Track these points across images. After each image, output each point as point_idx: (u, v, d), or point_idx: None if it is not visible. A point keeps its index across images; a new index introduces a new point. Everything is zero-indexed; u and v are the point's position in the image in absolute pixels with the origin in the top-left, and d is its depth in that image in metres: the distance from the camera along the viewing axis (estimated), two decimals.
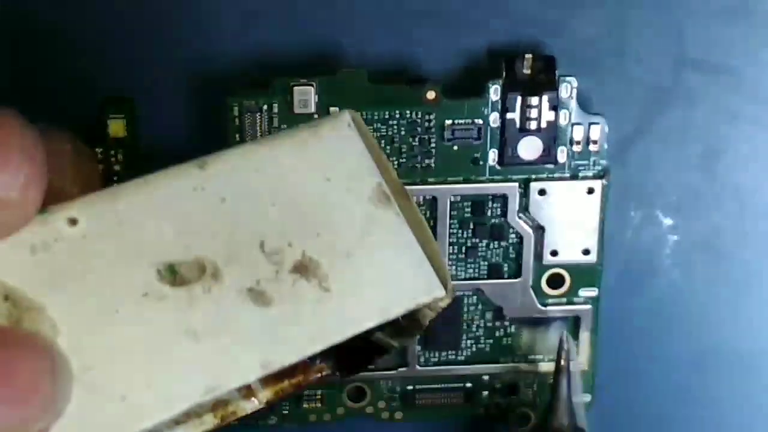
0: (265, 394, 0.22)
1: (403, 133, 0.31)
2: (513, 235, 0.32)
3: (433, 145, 0.31)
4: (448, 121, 0.31)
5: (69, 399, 0.18)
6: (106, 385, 0.18)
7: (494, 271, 0.32)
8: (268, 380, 0.21)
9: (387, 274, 0.21)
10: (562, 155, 0.31)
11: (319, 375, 0.22)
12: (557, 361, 0.32)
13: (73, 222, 0.19)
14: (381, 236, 0.21)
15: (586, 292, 0.32)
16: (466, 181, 0.31)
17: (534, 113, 0.30)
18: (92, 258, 0.19)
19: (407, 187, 0.31)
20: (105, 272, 0.19)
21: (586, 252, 0.32)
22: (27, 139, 0.18)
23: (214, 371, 0.19)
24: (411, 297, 0.21)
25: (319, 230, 0.21)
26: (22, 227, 0.18)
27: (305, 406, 0.33)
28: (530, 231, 0.32)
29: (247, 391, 0.21)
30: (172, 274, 0.19)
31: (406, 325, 0.22)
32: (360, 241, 0.21)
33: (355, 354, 0.22)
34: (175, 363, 0.19)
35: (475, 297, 0.32)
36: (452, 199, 0.31)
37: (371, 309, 0.20)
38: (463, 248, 0.32)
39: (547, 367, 0.33)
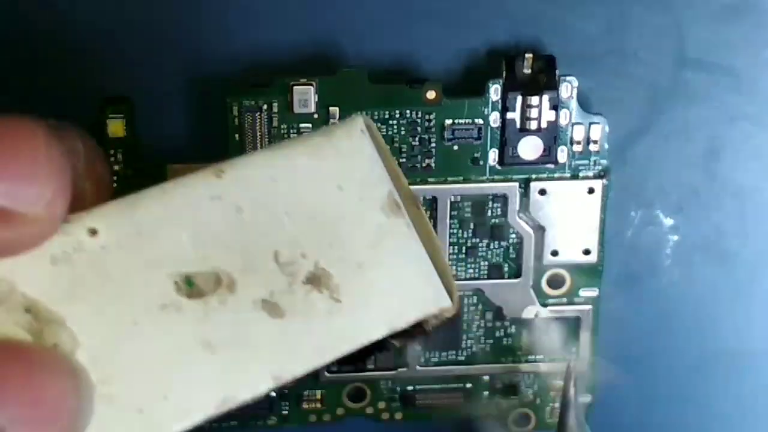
0: None
1: (403, 133, 0.31)
2: (513, 235, 0.32)
3: (433, 145, 0.31)
4: (448, 121, 0.30)
5: (91, 415, 0.18)
6: (123, 398, 0.18)
7: (494, 271, 0.32)
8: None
9: (396, 284, 0.21)
10: (562, 155, 0.31)
11: None
12: (564, 393, 0.31)
13: (93, 232, 0.19)
14: (391, 246, 0.21)
15: (586, 292, 0.32)
16: (466, 181, 0.31)
17: (534, 113, 0.30)
18: (112, 269, 0.19)
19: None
20: (124, 283, 0.19)
21: (587, 252, 0.32)
22: (54, 152, 0.18)
23: (228, 383, 0.19)
24: (418, 308, 0.21)
25: (331, 240, 0.20)
26: (45, 241, 0.18)
27: (305, 406, 0.33)
28: (530, 231, 0.32)
29: None
30: (190, 286, 0.19)
31: (409, 329, 0.22)
32: (371, 251, 0.21)
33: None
34: (191, 375, 0.19)
35: (475, 297, 0.32)
36: (452, 199, 0.31)
37: (380, 320, 0.20)
38: (463, 248, 0.32)
39: (547, 367, 0.33)
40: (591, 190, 0.31)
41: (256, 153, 0.21)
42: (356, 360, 0.22)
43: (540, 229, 0.32)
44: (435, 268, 0.21)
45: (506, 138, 0.31)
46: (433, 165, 0.31)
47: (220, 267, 0.20)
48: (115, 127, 0.29)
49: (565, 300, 0.32)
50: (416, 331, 0.22)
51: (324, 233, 0.20)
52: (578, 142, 0.31)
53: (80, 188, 0.20)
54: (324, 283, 0.20)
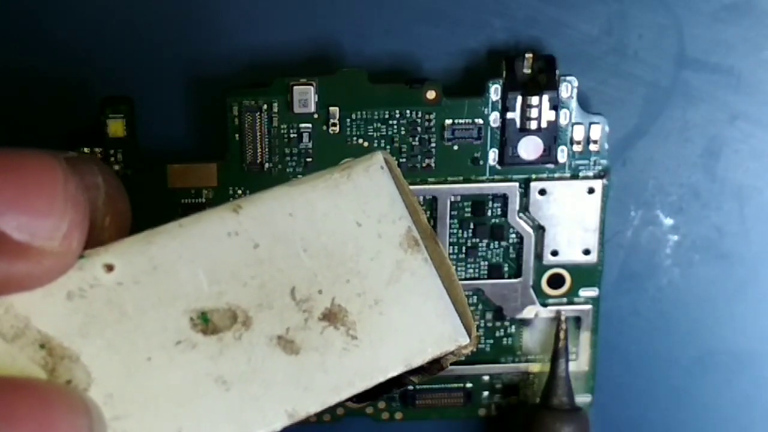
0: None
1: (403, 133, 0.31)
2: (513, 235, 0.32)
3: (433, 145, 0.31)
4: (448, 121, 0.30)
5: None
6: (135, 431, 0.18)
7: (494, 271, 0.32)
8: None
9: (413, 321, 0.21)
10: (562, 155, 0.31)
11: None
12: (555, 341, 0.32)
13: (109, 268, 0.19)
14: (409, 283, 0.21)
15: (586, 292, 0.32)
16: (466, 181, 0.31)
17: (534, 113, 0.30)
18: (127, 305, 0.19)
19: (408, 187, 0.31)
20: (139, 319, 0.19)
21: (587, 252, 0.32)
22: (70, 186, 0.18)
23: (242, 420, 0.19)
24: (436, 345, 0.21)
25: (349, 277, 0.20)
26: (61, 276, 0.18)
27: None
28: (530, 231, 0.32)
29: None
30: (205, 322, 0.19)
31: (426, 366, 0.21)
32: (388, 288, 0.21)
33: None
34: (205, 412, 0.19)
35: (475, 297, 0.32)
36: (452, 199, 0.31)
37: (396, 357, 0.20)
38: (463, 248, 0.32)
39: (547, 367, 0.33)
40: (591, 190, 0.31)
41: (275, 188, 0.21)
42: (373, 397, 0.22)
43: (540, 229, 0.32)
44: (453, 304, 0.21)
45: (506, 138, 0.31)
46: (433, 165, 0.31)
47: (236, 303, 0.19)
48: (115, 127, 0.29)
49: (565, 300, 0.32)
50: (434, 367, 0.21)
51: (341, 269, 0.20)
52: (578, 142, 0.31)
53: (99, 223, 0.20)
54: (340, 319, 0.20)
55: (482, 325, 0.33)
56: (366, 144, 0.30)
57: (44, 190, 0.17)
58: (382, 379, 0.20)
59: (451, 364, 0.33)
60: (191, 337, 0.19)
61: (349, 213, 0.21)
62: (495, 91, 0.30)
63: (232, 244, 0.20)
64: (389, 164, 0.21)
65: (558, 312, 0.32)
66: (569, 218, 0.31)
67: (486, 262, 0.32)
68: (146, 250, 0.19)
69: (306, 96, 0.30)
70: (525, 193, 0.31)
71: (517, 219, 0.31)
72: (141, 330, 0.19)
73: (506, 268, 0.32)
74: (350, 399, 0.22)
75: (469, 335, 0.21)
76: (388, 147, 0.31)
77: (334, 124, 0.30)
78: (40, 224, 0.17)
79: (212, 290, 0.19)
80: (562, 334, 0.32)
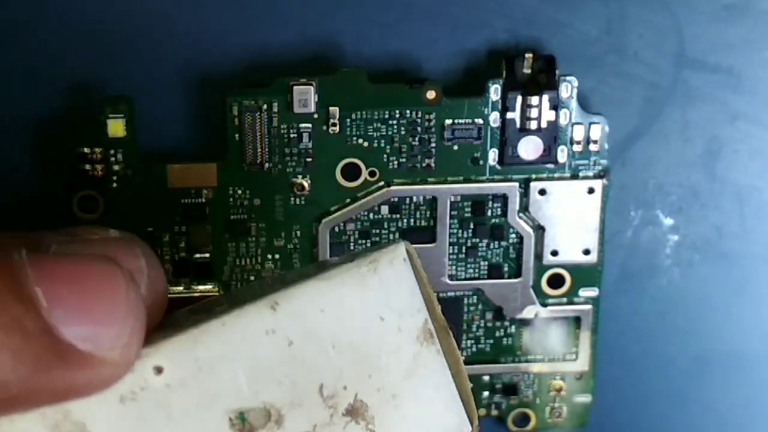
0: None
1: (403, 133, 0.31)
2: (513, 235, 0.32)
3: (433, 145, 0.31)
4: (448, 121, 0.30)
5: None
6: None
7: (494, 271, 0.32)
8: None
9: (425, 414, 0.21)
10: (562, 155, 0.31)
11: None
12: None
13: (159, 370, 0.19)
14: (423, 377, 0.21)
15: (586, 292, 0.32)
16: (466, 181, 0.31)
17: (534, 113, 0.30)
18: (174, 407, 0.19)
19: (408, 187, 0.31)
20: (185, 422, 0.19)
21: (587, 252, 0.32)
22: (132, 295, 0.18)
23: None
24: None
25: (371, 372, 0.21)
26: (117, 382, 0.18)
27: None
28: (530, 231, 0.32)
29: None
30: (242, 422, 0.19)
31: None
32: (405, 382, 0.21)
33: None
34: None
35: (475, 297, 0.32)
36: (452, 199, 0.31)
37: None
38: (463, 248, 0.32)
39: (547, 367, 0.33)
40: (591, 190, 0.31)
41: (307, 283, 0.21)
42: None
43: (540, 229, 0.32)
44: (459, 393, 0.22)
45: (506, 138, 0.31)
46: (433, 165, 0.31)
47: (271, 402, 0.20)
48: (115, 127, 0.29)
49: (565, 300, 0.32)
50: None
51: (365, 365, 0.21)
52: (578, 142, 0.31)
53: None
54: (361, 414, 0.20)
55: (482, 325, 0.33)
56: (366, 144, 0.30)
57: (107, 300, 0.17)
58: None
59: None
60: None
61: (374, 308, 0.21)
62: (495, 91, 0.30)
63: (270, 342, 0.20)
64: (410, 255, 0.22)
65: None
66: (569, 218, 0.31)
67: (486, 262, 0.32)
68: (192, 350, 0.19)
69: (306, 96, 0.30)
70: (525, 193, 0.31)
71: (517, 219, 0.31)
72: (183, 428, 0.19)
73: (506, 268, 0.32)
74: None
75: (471, 424, 0.22)
76: (388, 147, 0.31)
77: (334, 124, 0.30)
78: (103, 334, 0.17)
79: (250, 389, 0.20)
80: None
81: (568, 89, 0.30)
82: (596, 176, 0.31)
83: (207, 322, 0.20)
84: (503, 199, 0.31)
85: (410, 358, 0.21)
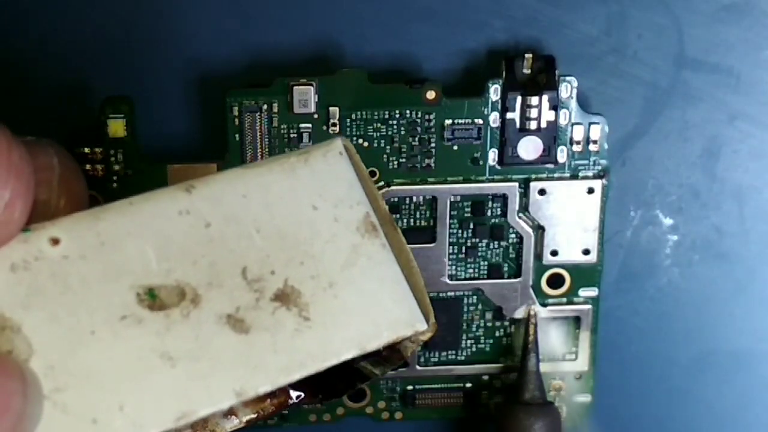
0: (245, 413, 0.22)
1: (403, 133, 0.31)
2: (513, 235, 0.32)
3: (433, 145, 0.31)
4: (448, 121, 0.31)
5: (38, 419, 0.18)
6: (77, 407, 0.18)
7: (494, 271, 0.32)
8: (249, 400, 0.21)
9: (369, 305, 0.20)
10: (562, 155, 0.31)
11: (300, 397, 0.22)
12: (525, 335, 0.32)
13: (55, 242, 0.19)
14: (365, 267, 0.21)
15: (586, 292, 0.32)
16: (466, 181, 0.31)
17: (534, 113, 0.30)
18: (72, 279, 0.19)
19: (408, 187, 0.31)
20: (84, 293, 0.19)
21: (586, 252, 0.32)
22: (14, 155, 0.18)
23: (188, 397, 0.19)
24: (391, 330, 0.21)
25: (303, 259, 0.20)
26: (3, 245, 0.18)
27: (305, 406, 0.33)
28: (530, 231, 0.32)
29: (228, 409, 0.21)
30: (152, 298, 0.19)
31: (387, 355, 0.21)
32: (344, 271, 0.20)
33: (336, 379, 0.22)
34: (148, 387, 0.19)
35: (475, 297, 0.32)
36: (452, 199, 0.31)
37: (350, 340, 0.20)
38: (463, 248, 0.32)
39: (546, 367, 0.33)
40: (590, 190, 0.31)
41: (230, 170, 0.21)
42: (339, 393, 0.22)
43: (539, 229, 0.32)
44: (412, 290, 0.21)
45: (506, 138, 0.31)
46: (433, 165, 0.31)
47: (185, 281, 0.19)
48: (115, 127, 0.29)
49: (564, 300, 0.32)
50: (394, 357, 0.21)
51: (295, 252, 0.20)
52: (578, 142, 0.31)
53: (54, 203, 0.20)
54: (293, 300, 0.20)
55: (482, 325, 0.33)
56: (366, 144, 0.30)
57: None
58: (335, 361, 0.20)
59: (451, 364, 0.33)
60: (137, 312, 0.19)
61: (304, 196, 0.21)
62: (495, 91, 0.30)
63: (183, 222, 0.20)
64: (349, 151, 0.21)
65: (529, 308, 0.32)
66: (569, 218, 0.31)
67: (486, 262, 0.32)
68: (94, 226, 0.19)
69: (306, 96, 0.30)
70: (525, 193, 0.31)
71: (517, 219, 0.31)
72: (85, 304, 0.19)
73: (506, 268, 0.32)
74: (317, 398, 0.22)
75: (427, 321, 0.21)
76: (388, 147, 0.31)
77: (334, 124, 0.30)
78: None
79: (161, 267, 0.19)
80: (531, 329, 0.32)
81: (567, 89, 0.30)
82: (596, 176, 0.31)
83: (114, 202, 0.19)
84: (503, 199, 0.31)
85: (349, 249, 0.21)
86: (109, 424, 0.18)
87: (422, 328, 0.21)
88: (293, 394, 0.22)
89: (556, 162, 0.31)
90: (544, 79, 0.30)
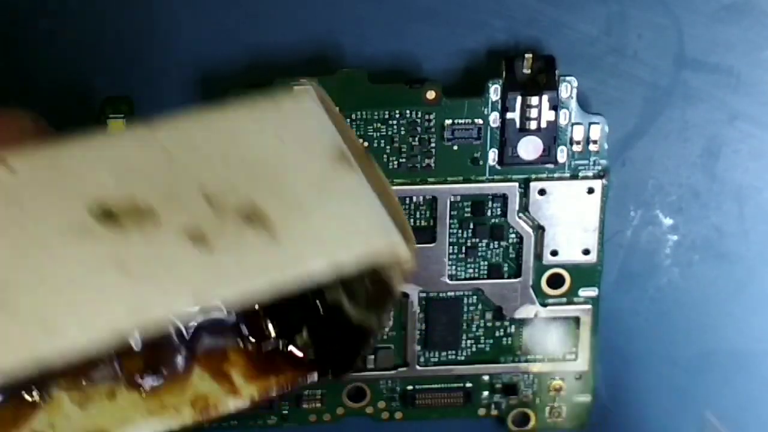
0: (249, 391, 0.21)
1: (403, 133, 0.31)
2: (513, 235, 0.32)
3: (433, 145, 0.31)
4: (448, 121, 0.31)
5: None
6: (24, 306, 0.18)
7: (494, 271, 0.32)
8: (252, 376, 0.21)
9: (341, 225, 0.20)
10: (562, 155, 0.31)
11: (306, 374, 0.22)
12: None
13: (6, 165, 0.19)
14: (338, 191, 0.20)
15: (586, 292, 0.32)
16: (466, 181, 0.31)
17: (534, 113, 0.30)
18: (24, 196, 0.19)
19: (408, 187, 0.31)
20: (35, 209, 0.19)
21: (586, 252, 0.32)
22: None
23: (143, 303, 0.19)
24: (367, 251, 0.20)
25: (270, 183, 0.20)
26: None
27: (305, 406, 0.33)
28: (530, 231, 0.32)
29: (229, 386, 0.21)
30: (106, 213, 0.19)
31: (373, 293, 0.21)
32: (314, 195, 0.20)
33: (340, 348, 0.22)
34: (101, 293, 0.18)
35: (475, 297, 0.32)
36: (452, 199, 0.31)
37: (321, 254, 0.20)
38: (463, 248, 0.32)
39: (547, 367, 0.33)
40: (590, 190, 0.31)
41: (194, 112, 0.21)
42: (347, 364, 0.22)
43: (539, 229, 0.32)
44: (392, 220, 0.20)
45: (506, 138, 0.31)
46: (433, 165, 0.31)
47: (141, 198, 0.19)
48: (115, 127, 0.29)
49: (564, 300, 0.32)
50: (383, 294, 0.21)
51: (260, 177, 0.20)
52: (578, 142, 0.31)
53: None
54: (258, 220, 0.20)
55: (482, 325, 0.33)
56: (366, 144, 0.30)
57: None
58: (307, 278, 0.19)
59: (451, 364, 0.33)
60: (91, 226, 0.19)
61: (271, 129, 0.21)
62: (495, 91, 0.30)
63: (140, 149, 0.20)
64: (321, 97, 0.22)
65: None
66: (569, 218, 0.31)
67: (486, 262, 0.32)
68: (50, 153, 0.19)
69: None
70: (525, 193, 0.31)
71: (517, 219, 0.31)
72: (34, 216, 0.19)
73: (506, 268, 0.32)
74: (325, 372, 0.21)
75: (408, 247, 0.20)
76: (388, 147, 0.31)
77: None
78: None
79: (116, 186, 0.19)
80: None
81: (567, 89, 0.30)
82: (596, 176, 0.31)
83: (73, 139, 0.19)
84: (503, 199, 0.31)
85: (320, 175, 0.20)
86: (59, 327, 0.18)
87: (401, 251, 0.20)
88: (301, 374, 0.22)
89: (556, 162, 0.31)
90: (544, 79, 0.30)
